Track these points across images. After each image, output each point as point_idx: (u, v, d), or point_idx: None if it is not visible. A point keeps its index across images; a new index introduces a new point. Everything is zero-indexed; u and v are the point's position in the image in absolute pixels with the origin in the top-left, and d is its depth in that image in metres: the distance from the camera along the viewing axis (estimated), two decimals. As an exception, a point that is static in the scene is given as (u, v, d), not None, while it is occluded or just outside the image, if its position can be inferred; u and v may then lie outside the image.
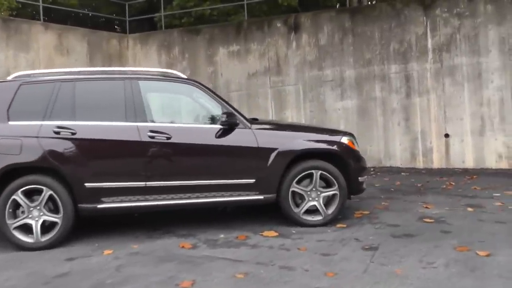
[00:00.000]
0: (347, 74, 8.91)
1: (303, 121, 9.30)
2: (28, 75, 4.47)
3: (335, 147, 4.80)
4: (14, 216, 4.20)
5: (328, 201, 4.75)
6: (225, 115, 4.42)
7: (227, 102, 4.74)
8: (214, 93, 4.75)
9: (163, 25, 11.05)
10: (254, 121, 4.96)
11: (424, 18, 8.33)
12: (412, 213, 5.11)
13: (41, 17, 9.03)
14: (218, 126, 4.50)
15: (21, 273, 3.64)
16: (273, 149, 4.57)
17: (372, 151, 8.78)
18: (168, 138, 4.39)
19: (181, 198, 4.45)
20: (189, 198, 4.46)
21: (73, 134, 4.26)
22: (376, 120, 8.73)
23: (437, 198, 5.87)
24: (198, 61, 10.12)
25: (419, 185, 6.84)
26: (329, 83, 9.07)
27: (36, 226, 4.19)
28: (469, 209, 5.21)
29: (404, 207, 5.41)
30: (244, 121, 4.63)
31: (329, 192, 4.71)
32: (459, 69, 8.12)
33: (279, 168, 4.58)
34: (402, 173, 7.95)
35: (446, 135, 8.23)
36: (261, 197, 4.58)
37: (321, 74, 9.12)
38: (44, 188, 4.18)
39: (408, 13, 8.44)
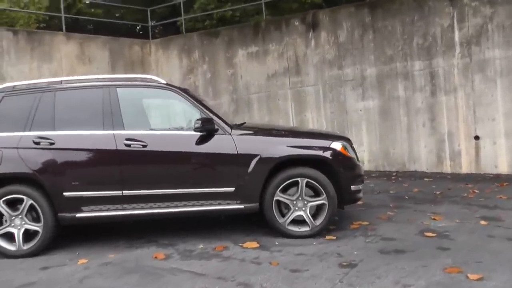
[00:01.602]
0: (368, 73, 8.41)
1: (323, 122, 8.93)
2: (12, 87, 4.57)
3: (322, 153, 4.48)
4: (0, 224, 4.30)
5: (317, 211, 4.45)
6: (199, 121, 4.26)
7: (207, 108, 4.57)
8: (194, 98, 4.60)
9: (183, 29, 11.10)
10: (239, 126, 4.75)
11: (451, 8, 7.65)
12: (415, 225, 4.66)
13: (63, 28, 9.36)
14: (195, 133, 4.35)
15: (-10, 281, 3.71)
16: (253, 156, 4.35)
17: (395, 154, 8.22)
18: (144, 146, 4.30)
19: (159, 207, 4.35)
20: (167, 207, 4.35)
21: (51, 144, 4.30)
22: (399, 121, 8.16)
23: (451, 208, 5.33)
24: (217, 64, 10.05)
25: (437, 192, 6.27)
26: (350, 83, 8.62)
27: (18, 234, 4.26)
28: (483, 222, 4.66)
29: (409, 218, 4.96)
30: (225, 126, 4.43)
31: (317, 202, 4.40)
32: (491, 64, 7.36)
33: (260, 176, 4.34)
34: (425, 179, 7.35)
35: (476, 137, 7.50)
36: (241, 206, 4.37)
37: (341, 73, 8.69)
38: (24, 197, 4.24)
39: (432, 4, 7.79)
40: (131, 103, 4.54)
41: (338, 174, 4.46)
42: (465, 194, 6.05)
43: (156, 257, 4.05)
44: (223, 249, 4.17)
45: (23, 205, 4.24)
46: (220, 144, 4.36)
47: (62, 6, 9.31)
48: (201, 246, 4.31)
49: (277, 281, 3.34)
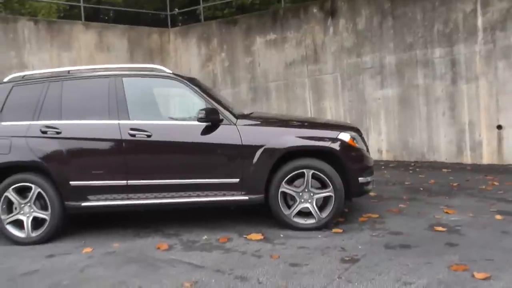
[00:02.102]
0: (387, 61, 8.16)
1: (341, 111, 8.75)
2: (22, 77, 4.64)
3: (329, 144, 4.35)
4: (11, 211, 4.41)
5: (324, 203, 4.36)
6: (203, 112, 4.21)
7: (213, 97, 4.52)
8: (201, 88, 4.54)
9: (202, 17, 11.04)
10: (246, 116, 4.67)
11: (475, -8, 7.30)
12: (425, 219, 4.51)
13: (82, 17, 9.46)
14: (200, 123, 4.31)
15: (-5, 268, 3.80)
16: (258, 147, 4.28)
17: (414, 143, 7.98)
18: (149, 136, 4.30)
19: (164, 197, 4.35)
20: (172, 197, 4.34)
21: (58, 133, 4.35)
22: (419, 110, 7.90)
23: (466, 201, 5.13)
24: (236, 52, 9.97)
25: (454, 184, 6.05)
26: (368, 71, 8.39)
27: (27, 222, 4.35)
28: (498, 216, 4.46)
29: (420, 211, 4.80)
30: (230, 116, 4.37)
31: (323, 194, 4.31)
32: (517, 50, 7.00)
33: (265, 167, 4.27)
34: (444, 170, 7.11)
35: (499, 127, 7.18)
36: (246, 197, 4.32)
37: (359, 61, 8.47)
38: (33, 186, 4.33)
39: (455, -12, 7.46)
40: (137, 93, 4.52)
41: (345, 165, 4.35)
42: (483, 187, 5.81)
43: (159, 248, 4.06)
44: (226, 241, 4.14)
45: (31, 193, 4.33)
46: (224, 134, 4.31)
47: (81, -4, 9.43)
48: (205, 237, 4.30)
49: (275, 275, 3.28)
